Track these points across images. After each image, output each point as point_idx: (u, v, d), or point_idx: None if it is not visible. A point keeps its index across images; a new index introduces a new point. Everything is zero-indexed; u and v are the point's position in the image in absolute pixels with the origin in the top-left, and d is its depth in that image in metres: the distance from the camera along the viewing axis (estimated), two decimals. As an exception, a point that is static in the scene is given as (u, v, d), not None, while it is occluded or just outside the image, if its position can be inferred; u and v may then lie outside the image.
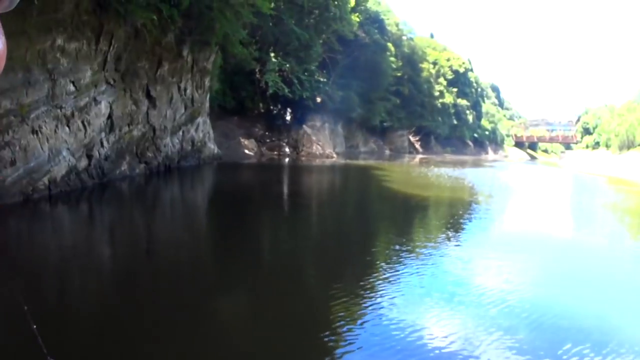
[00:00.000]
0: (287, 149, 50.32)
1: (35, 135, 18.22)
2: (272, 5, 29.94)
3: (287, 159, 46.25)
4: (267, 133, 48.92)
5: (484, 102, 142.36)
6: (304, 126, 52.97)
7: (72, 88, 19.86)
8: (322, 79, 47.64)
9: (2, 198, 16.72)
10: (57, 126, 19.29)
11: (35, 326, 4.93)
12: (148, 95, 25.37)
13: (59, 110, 19.39)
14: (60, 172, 19.40)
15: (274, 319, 8.80)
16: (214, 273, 11.85)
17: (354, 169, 42.90)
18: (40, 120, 18.49)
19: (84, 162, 20.93)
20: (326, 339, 8.06)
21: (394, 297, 9.83)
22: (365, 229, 18.37)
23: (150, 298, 9.68)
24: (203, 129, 32.64)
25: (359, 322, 8.69)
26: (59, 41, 18.90)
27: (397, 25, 78.45)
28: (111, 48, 21.66)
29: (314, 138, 53.70)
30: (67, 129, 19.82)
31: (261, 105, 45.59)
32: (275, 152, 48.37)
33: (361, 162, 52.62)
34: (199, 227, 17.98)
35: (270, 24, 34.94)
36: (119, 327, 8.16)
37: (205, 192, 25.68)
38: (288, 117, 51.99)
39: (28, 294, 9.15)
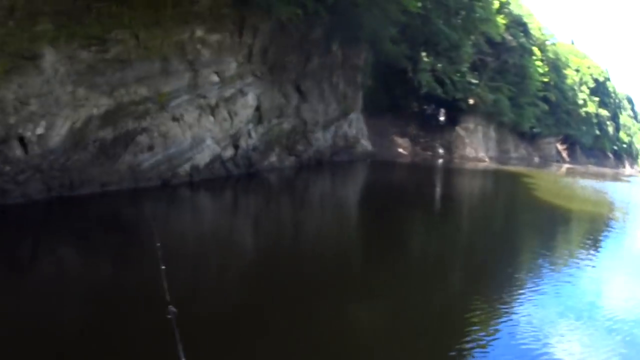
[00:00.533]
0: (440, 150, 45.84)
1: (176, 123, 16.06)
2: (420, 4, 25.93)
3: (440, 160, 41.89)
4: (420, 132, 44.66)
5: (621, 113, 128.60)
6: (457, 128, 48.44)
7: (215, 79, 17.53)
8: (473, 81, 42.91)
9: (137, 181, 14.52)
10: (200, 115, 17.06)
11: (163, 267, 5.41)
12: (298, 89, 22.43)
13: (202, 100, 17.12)
14: (203, 160, 17.08)
15: (408, 327, 7.79)
16: (354, 272, 10.17)
17: (505, 175, 37.59)
18: (181, 109, 16.40)
19: (230, 152, 18.42)
20: (457, 353, 7.09)
21: (530, 315, 8.47)
22: (509, 239, 15.62)
23: (284, 290, 8.57)
24: (356, 126, 29.32)
25: (492, 338, 7.52)
26: (199, 33, 16.72)
27: (540, 29, 71.37)
28: (256, 41, 19.00)
29: (467, 140, 49.19)
30: (211, 118, 17.47)
31: (415, 104, 41.49)
32: (429, 153, 43.97)
33: (511, 168, 46.71)
34: (346, 223, 15.27)
35: (419, 22, 30.96)
36: (247, 310, 7.50)
37: (356, 188, 22.64)
38: (442, 118, 47.51)
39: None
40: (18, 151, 11.94)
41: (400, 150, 39.25)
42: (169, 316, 4.78)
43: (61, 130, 12.86)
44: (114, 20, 13.79)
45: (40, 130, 12.35)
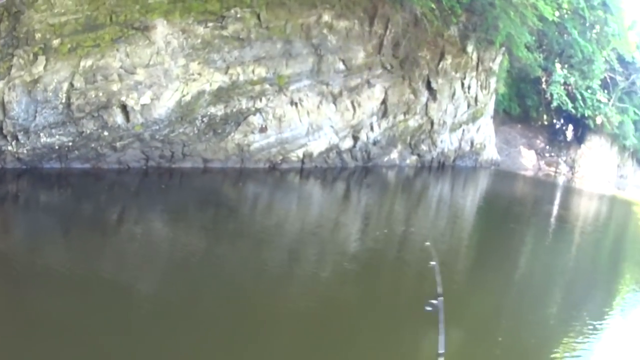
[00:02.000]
0: (563, 167, 39.92)
1: (293, 107, 13.70)
2: (557, 13, 22.03)
3: (561, 178, 36.29)
4: (547, 147, 39.01)
5: None
6: (582, 146, 42.37)
7: (341, 66, 14.94)
8: (603, 99, 37.02)
9: (243, 161, 12.90)
10: (321, 102, 14.53)
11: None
12: (428, 87, 19.13)
13: (324, 87, 14.58)
14: (318, 148, 14.89)
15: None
16: (458, 280, 8.16)
17: (622, 202, 31.49)
18: (301, 93, 14.19)
19: (348, 143, 15.91)
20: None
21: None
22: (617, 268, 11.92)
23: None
24: (484, 132, 25.42)
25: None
26: (326, 17, 14.15)
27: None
28: (387, 32, 16.10)
29: (589, 161, 42.98)
30: (332, 106, 15.01)
31: (545, 117, 36.32)
32: (553, 169, 38.28)
33: (630, 195, 39.85)
34: (459, 232, 12.33)
35: (556, 32, 26.56)
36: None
37: (475, 197, 18.93)
38: (568, 134, 41.74)
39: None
40: (119, 118, 10.55)
41: (524, 162, 34.56)
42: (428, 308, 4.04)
43: (168, 102, 11.25)
44: (234, -2, 12.07)
45: (145, 100, 10.84)
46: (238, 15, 11.90)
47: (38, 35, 9.22)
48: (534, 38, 23.85)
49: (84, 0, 9.61)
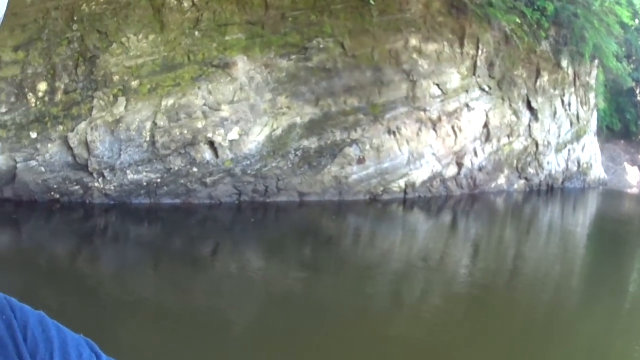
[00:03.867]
0: None
1: (392, 136, 12.06)
2: (637, 21, 19.67)
3: None
4: None
5: None
6: None
7: (437, 91, 13.03)
8: None
9: (342, 194, 11.16)
10: (420, 129, 12.63)
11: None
12: (529, 107, 16.79)
13: (422, 113, 12.77)
14: (421, 177, 12.91)
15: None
16: (575, 314, 6.91)
17: None
18: (398, 121, 12.34)
19: (452, 170, 13.79)
20: None
21: None
22: None
23: (501, 318, 6.27)
24: (590, 150, 22.26)
25: None
26: (414, 42, 12.48)
27: None
28: (480, 52, 14.14)
29: None
30: (433, 133, 13.03)
31: None
32: None
33: None
34: (571, 260, 10.41)
35: (639, 39, 23.66)
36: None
37: (587, 221, 16.48)
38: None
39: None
40: (207, 155, 9.46)
41: (630, 179, 30.57)
42: None
43: (258, 137, 9.89)
44: (314, 29, 10.59)
45: (233, 136, 9.62)
46: (321, 46, 10.54)
47: (116, 78, 8.45)
48: (623, 48, 21.06)
49: (159, 42, 8.73)
